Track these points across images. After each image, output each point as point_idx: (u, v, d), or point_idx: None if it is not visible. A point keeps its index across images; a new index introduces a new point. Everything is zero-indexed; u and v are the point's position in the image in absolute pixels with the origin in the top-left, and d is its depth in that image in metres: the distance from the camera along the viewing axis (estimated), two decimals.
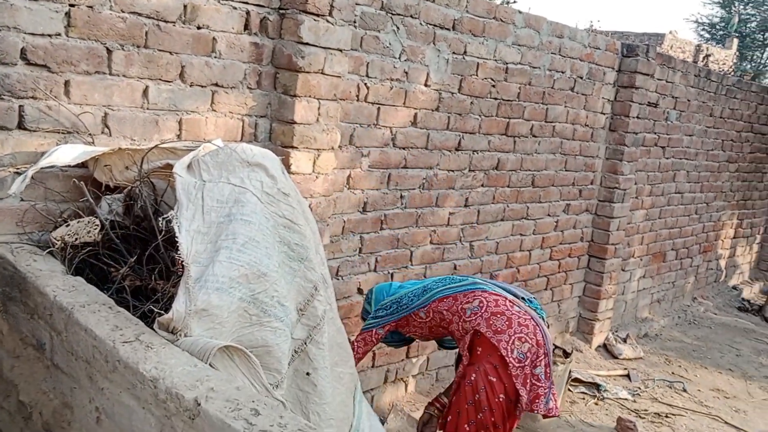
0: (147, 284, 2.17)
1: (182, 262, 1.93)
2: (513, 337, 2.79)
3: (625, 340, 5.52)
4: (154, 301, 2.06)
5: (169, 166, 2.25)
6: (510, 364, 2.76)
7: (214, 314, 1.90)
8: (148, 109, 2.52)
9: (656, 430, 4.31)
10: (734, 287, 7.80)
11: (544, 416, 2.83)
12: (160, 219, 2.04)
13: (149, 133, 2.53)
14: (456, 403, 2.85)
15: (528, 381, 2.79)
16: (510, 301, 2.96)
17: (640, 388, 4.88)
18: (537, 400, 2.78)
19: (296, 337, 2.17)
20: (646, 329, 6.04)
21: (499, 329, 2.82)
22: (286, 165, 2.87)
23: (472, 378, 2.79)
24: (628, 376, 5.04)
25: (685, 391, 4.98)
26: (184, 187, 2.05)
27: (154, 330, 1.86)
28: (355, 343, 3.08)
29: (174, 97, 2.60)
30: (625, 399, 4.64)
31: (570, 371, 4.32)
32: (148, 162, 2.31)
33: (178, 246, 1.99)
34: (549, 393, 2.82)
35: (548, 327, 3.06)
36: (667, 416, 4.49)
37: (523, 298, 3.07)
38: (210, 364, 1.76)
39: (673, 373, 5.28)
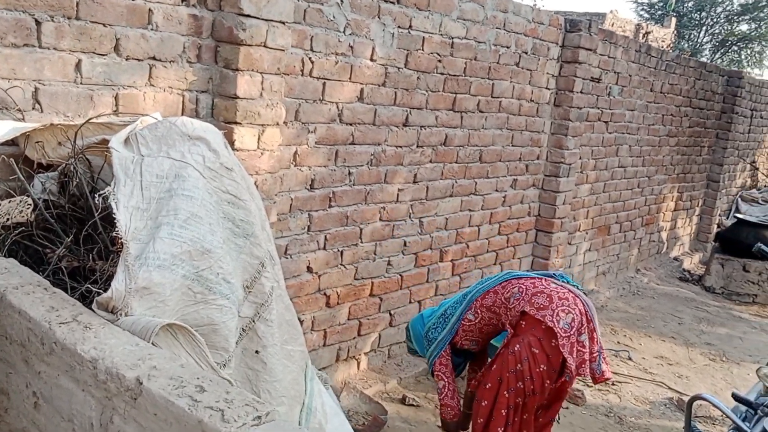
0: (85, 265, 2.09)
1: (121, 239, 1.86)
2: (557, 311, 2.94)
3: None
4: (92, 282, 1.99)
5: (106, 142, 2.16)
6: (558, 335, 2.89)
7: (156, 292, 1.84)
8: (81, 83, 2.42)
9: (603, 398, 4.41)
10: (675, 258, 8.03)
11: (596, 381, 3.03)
12: (97, 196, 1.96)
13: (83, 109, 2.43)
14: (497, 371, 2.99)
15: (574, 349, 2.92)
16: (545, 279, 3.15)
17: None
18: (583, 365, 2.95)
19: (244, 315, 2.12)
20: (593, 300, 6.16)
21: (542, 306, 2.98)
22: (230, 141, 2.79)
23: (516, 348, 2.93)
24: None
25: (630, 359, 5.11)
26: (121, 162, 1.97)
27: (92, 310, 1.78)
28: (441, 374, 3.31)
29: (109, 71, 2.49)
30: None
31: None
32: (83, 138, 2.22)
33: (116, 224, 1.92)
34: (599, 357, 3.02)
35: (586, 295, 3.22)
36: (613, 384, 4.60)
37: (553, 275, 3.27)
38: (153, 343, 1.70)
39: (618, 342, 5.41)
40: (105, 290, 1.86)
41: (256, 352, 2.13)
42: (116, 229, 1.87)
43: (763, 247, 2.79)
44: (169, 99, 2.71)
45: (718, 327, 6.17)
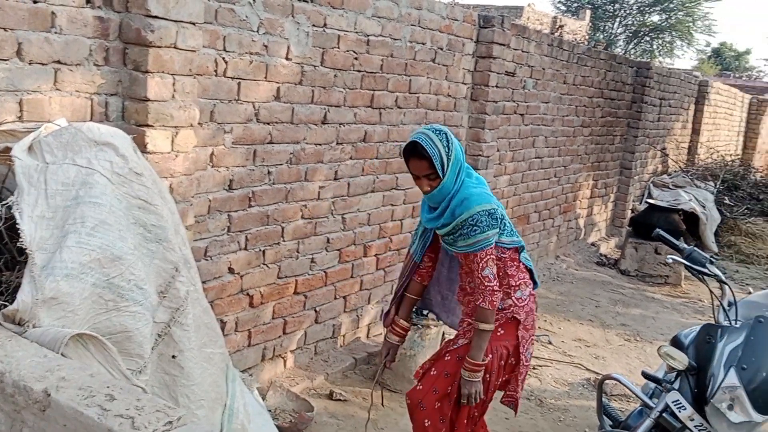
0: None
1: (26, 250, 1.82)
2: (530, 338, 2.90)
3: None
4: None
5: (9, 150, 2.11)
6: (522, 363, 2.86)
7: (65, 302, 1.82)
8: None
9: (525, 382, 4.56)
10: (593, 244, 8.35)
11: (508, 403, 3.00)
12: (0, 205, 1.92)
13: None
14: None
15: (525, 378, 2.96)
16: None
17: None
18: (519, 393, 2.96)
19: (159, 321, 2.12)
20: None
21: (527, 326, 2.87)
22: (142, 144, 2.76)
23: (488, 359, 2.78)
24: None
25: (550, 343, 5.31)
26: (25, 170, 1.94)
27: None
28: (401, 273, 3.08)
29: (12, 77, 2.42)
30: None
31: (443, 333, 4.48)
32: None
33: (20, 234, 1.89)
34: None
35: None
36: (534, 368, 4.76)
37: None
38: (62, 354, 1.69)
39: (539, 327, 5.60)
40: (11, 302, 1.83)
41: (173, 356, 2.13)
42: (20, 240, 1.84)
43: (662, 232, 2.96)
44: (77, 103, 2.66)
45: (633, 308, 6.47)
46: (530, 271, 2.94)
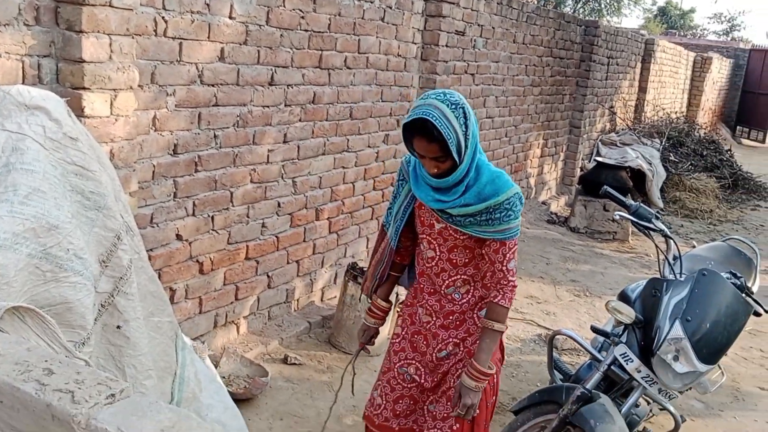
0: None
1: None
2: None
3: None
4: None
5: None
6: (503, 362, 2.55)
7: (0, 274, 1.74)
8: None
9: None
10: (543, 202, 8.46)
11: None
12: None
13: None
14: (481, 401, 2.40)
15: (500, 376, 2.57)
16: None
17: None
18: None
19: (101, 291, 2.04)
20: None
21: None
22: (79, 108, 2.65)
23: (493, 370, 2.37)
24: None
25: None
26: None
27: None
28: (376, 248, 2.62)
29: None
30: None
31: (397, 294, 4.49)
32: None
33: None
34: None
35: None
36: None
37: None
38: None
39: None
40: None
41: (118, 327, 2.07)
42: None
43: (609, 189, 2.99)
44: (7, 65, 2.52)
45: (582, 264, 6.60)
46: None
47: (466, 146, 2.19)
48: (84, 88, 2.68)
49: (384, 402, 2.58)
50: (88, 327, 1.96)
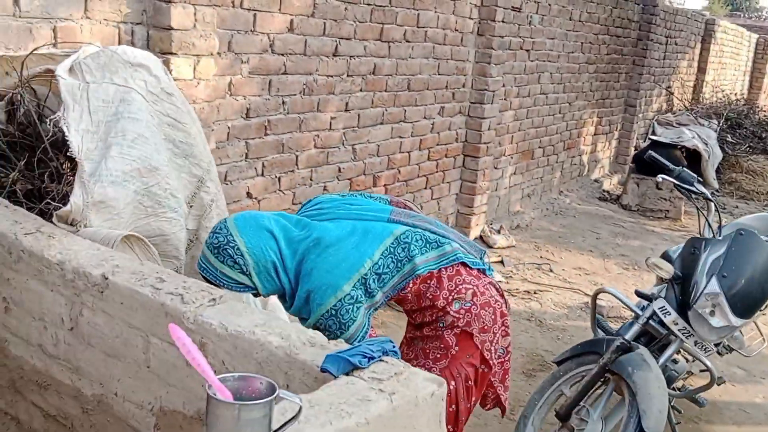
0: (39, 187, 2.25)
1: (75, 159, 2.03)
2: (497, 335, 2.34)
3: (499, 231, 6.02)
4: (47, 202, 2.16)
5: (50, 72, 2.30)
6: (492, 365, 2.36)
7: (111, 206, 2.03)
8: (20, 17, 2.50)
9: (526, 305, 4.83)
10: (596, 180, 8.52)
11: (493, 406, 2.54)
12: (48, 121, 2.11)
13: (24, 42, 2.52)
14: None
15: (506, 377, 2.47)
16: (486, 277, 2.38)
17: (512, 271, 5.39)
18: (504, 394, 2.48)
19: (189, 228, 2.33)
20: (518, 221, 6.58)
21: (485, 327, 2.31)
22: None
23: (452, 387, 2.28)
24: (501, 262, 5.54)
25: (551, 271, 5.55)
26: (69, 89, 2.12)
27: (53, 223, 1.97)
28: None
29: (46, 5, 2.58)
30: (499, 281, 5.12)
31: None
32: (27, 69, 2.34)
33: (68, 147, 2.08)
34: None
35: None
36: (535, 293, 5.02)
37: (481, 260, 2.44)
38: None
39: (541, 257, 5.84)
40: (61, 208, 2.04)
41: None
42: (69, 150, 2.04)
43: (654, 154, 3.13)
44: (106, 31, 2.82)
45: (632, 240, 6.69)
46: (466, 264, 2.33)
47: (248, 273, 2.06)
48: (171, 53, 2.96)
49: None
50: (181, 258, 2.25)
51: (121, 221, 2.06)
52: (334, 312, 2.07)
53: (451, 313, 2.25)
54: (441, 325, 2.28)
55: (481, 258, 2.40)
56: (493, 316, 2.31)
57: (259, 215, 2.14)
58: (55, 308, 1.82)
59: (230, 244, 2.05)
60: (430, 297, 2.24)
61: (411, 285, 2.21)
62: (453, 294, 2.25)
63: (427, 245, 2.23)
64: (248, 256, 2.05)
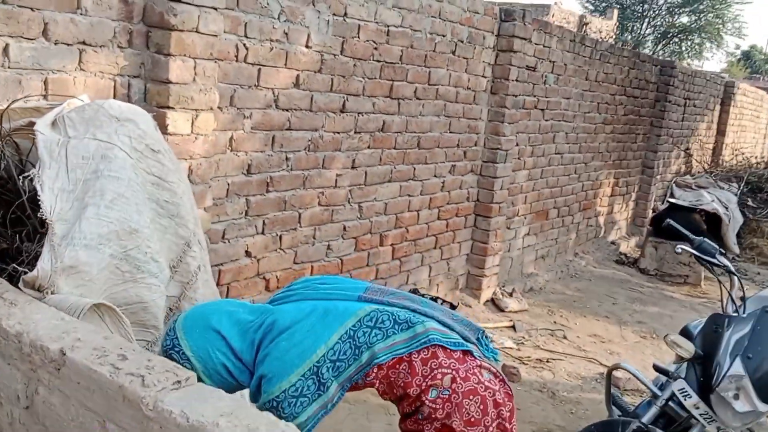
0: (13, 246, 2.11)
1: (47, 220, 1.90)
2: (490, 428, 2.01)
3: (511, 294, 5.81)
4: (19, 263, 2.02)
5: (33, 125, 2.19)
6: None
7: (84, 271, 1.89)
8: (9, 67, 2.42)
9: (538, 375, 4.59)
10: (612, 242, 8.31)
11: None
12: (21, 178, 1.99)
13: (12, 93, 2.43)
14: None
15: None
16: (473, 360, 2.06)
17: (524, 338, 5.16)
18: None
19: (170, 294, 2.18)
20: (531, 283, 6.37)
21: (472, 419, 1.98)
22: (163, 126, 2.83)
23: None
24: (513, 327, 5.32)
25: (565, 338, 5.31)
26: (46, 144, 2.01)
27: (19, 288, 1.82)
28: None
29: (38, 56, 2.50)
30: (510, 348, 4.90)
31: None
32: (10, 121, 2.23)
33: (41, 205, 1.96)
34: None
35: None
36: (548, 361, 4.78)
37: (478, 339, 2.20)
38: None
39: (555, 322, 5.61)
40: (32, 270, 1.90)
41: None
42: (41, 211, 1.91)
43: (672, 222, 2.97)
44: (101, 84, 2.73)
45: (650, 306, 6.44)
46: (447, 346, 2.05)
47: (199, 377, 1.82)
48: (168, 107, 2.86)
49: None
50: (160, 327, 2.09)
51: (93, 288, 1.91)
52: (275, 404, 1.85)
53: (427, 403, 1.96)
54: (420, 417, 1.99)
55: (479, 338, 2.15)
56: (482, 407, 1.97)
57: (209, 311, 1.96)
58: (11, 383, 1.66)
59: (175, 349, 1.89)
60: (402, 385, 1.97)
61: (375, 372, 1.96)
62: (427, 380, 1.97)
63: (395, 326, 1.99)
64: (194, 361, 1.88)
